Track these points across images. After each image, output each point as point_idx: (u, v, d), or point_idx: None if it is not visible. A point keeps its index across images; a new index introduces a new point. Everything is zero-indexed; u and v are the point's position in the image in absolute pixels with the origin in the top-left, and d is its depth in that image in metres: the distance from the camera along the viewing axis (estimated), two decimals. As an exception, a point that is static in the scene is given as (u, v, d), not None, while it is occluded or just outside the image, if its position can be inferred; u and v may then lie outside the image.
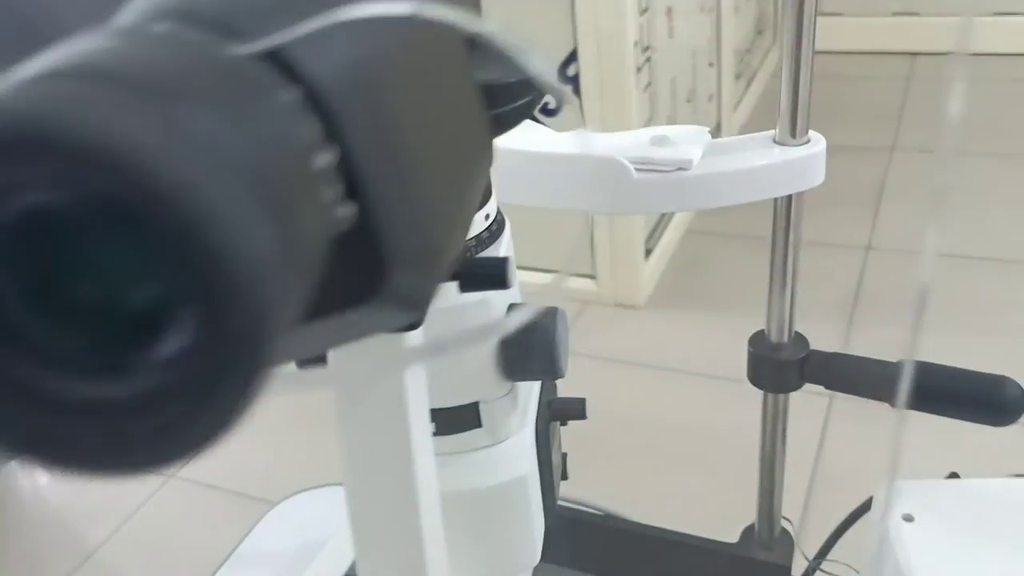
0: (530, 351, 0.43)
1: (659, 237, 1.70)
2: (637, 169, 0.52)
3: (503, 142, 0.56)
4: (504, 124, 0.30)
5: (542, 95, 0.32)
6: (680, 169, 0.51)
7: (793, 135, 0.53)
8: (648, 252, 1.65)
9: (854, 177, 1.89)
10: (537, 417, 0.48)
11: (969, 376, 0.53)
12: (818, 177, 0.53)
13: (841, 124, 2.19)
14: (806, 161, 0.52)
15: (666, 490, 1.19)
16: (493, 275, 0.33)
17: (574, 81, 1.51)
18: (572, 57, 1.49)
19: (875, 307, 1.49)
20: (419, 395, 0.36)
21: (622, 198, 0.52)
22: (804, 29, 0.51)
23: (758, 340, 0.60)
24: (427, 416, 0.37)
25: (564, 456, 0.54)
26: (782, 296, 0.58)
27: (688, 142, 0.53)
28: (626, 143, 0.53)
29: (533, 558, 0.49)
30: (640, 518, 0.82)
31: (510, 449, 0.46)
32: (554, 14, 1.48)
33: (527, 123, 0.59)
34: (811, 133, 0.53)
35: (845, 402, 1.10)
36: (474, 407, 0.45)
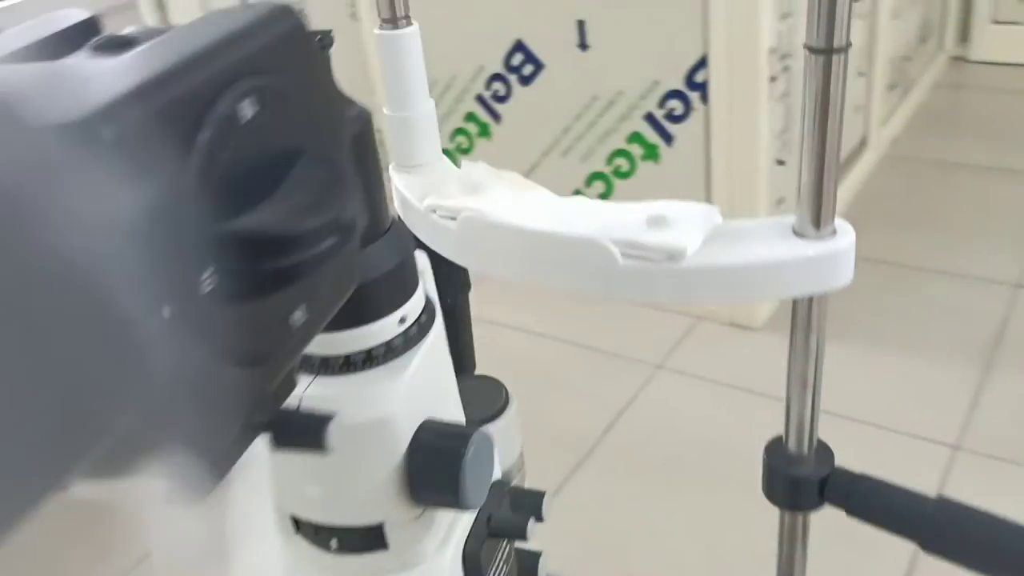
0: (431, 477, 0.37)
1: (786, 258, 1.58)
2: (624, 254, 0.45)
3: (482, 201, 0.49)
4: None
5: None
6: (671, 259, 0.44)
7: (816, 225, 0.44)
8: (771, 273, 1.53)
9: (1011, 203, 1.69)
10: (469, 536, 0.42)
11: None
12: (843, 277, 0.44)
13: (1003, 142, 1.97)
14: (828, 259, 0.43)
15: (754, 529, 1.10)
16: (308, 435, 0.28)
17: (701, 88, 1.41)
18: (701, 63, 1.39)
19: (1021, 353, 1.33)
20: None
21: (605, 285, 0.45)
22: (832, 87, 0.41)
23: (774, 448, 0.51)
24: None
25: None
26: (803, 400, 0.49)
27: (689, 225, 0.45)
28: (618, 219, 0.46)
29: None
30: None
31: (423, 576, 0.41)
32: (685, 15, 1.38)
33: (520, 179, 0.53)
34: (838, 222, 0.44)
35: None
36: (379, 528, 0.39)
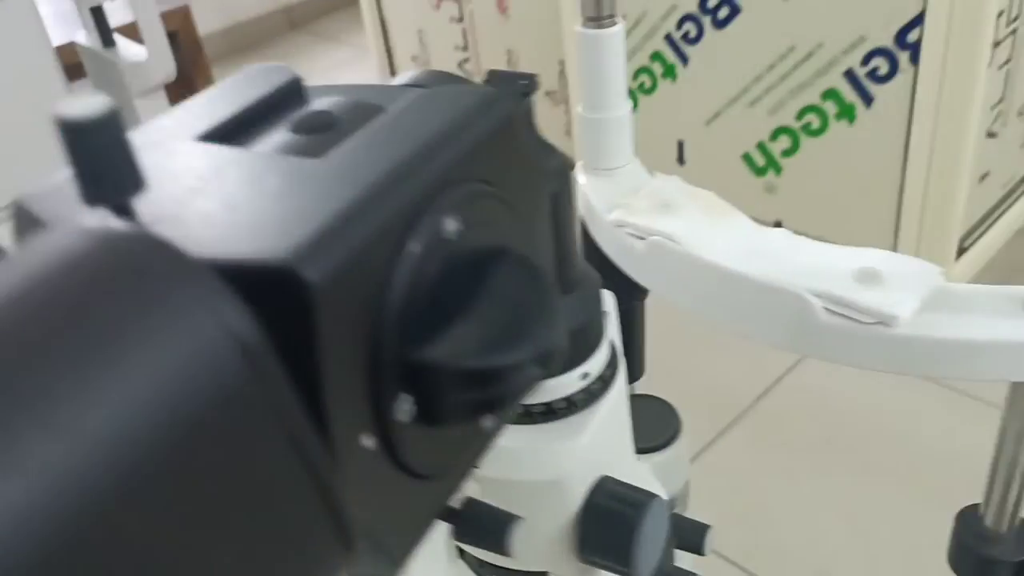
0: (603, 541, 0.36)
1: (981, 234, 1.46)
2: (828, 310, 0.41)
3: (674, 223, 0.46)
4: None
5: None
6: (881, 324, 0.40)
7: (1057, 304, 0.39)
8: (962, 251, 1.42)
9: None
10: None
11: None
12: (1082, 365, 0.39)
13: None
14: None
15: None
16: (491, 536, 0.27)
17: (913, 48, 1.29)
18: (917, 20, 1.28)
19: None
20: None
21: (802, 340, 0.42)
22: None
23: (968, 519, 0.47)
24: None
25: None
26: (1009, 480, 0.45)
27: (904, 285, 0.41)
28: (823, 266, 0.43)
29: None
30: None
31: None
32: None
33: (715, 200, 0.50)
34: (1085, 305, 0.39)
35: None
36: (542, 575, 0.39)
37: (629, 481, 0.37)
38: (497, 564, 0.38)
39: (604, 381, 0.37)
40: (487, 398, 0.22)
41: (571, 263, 0.34)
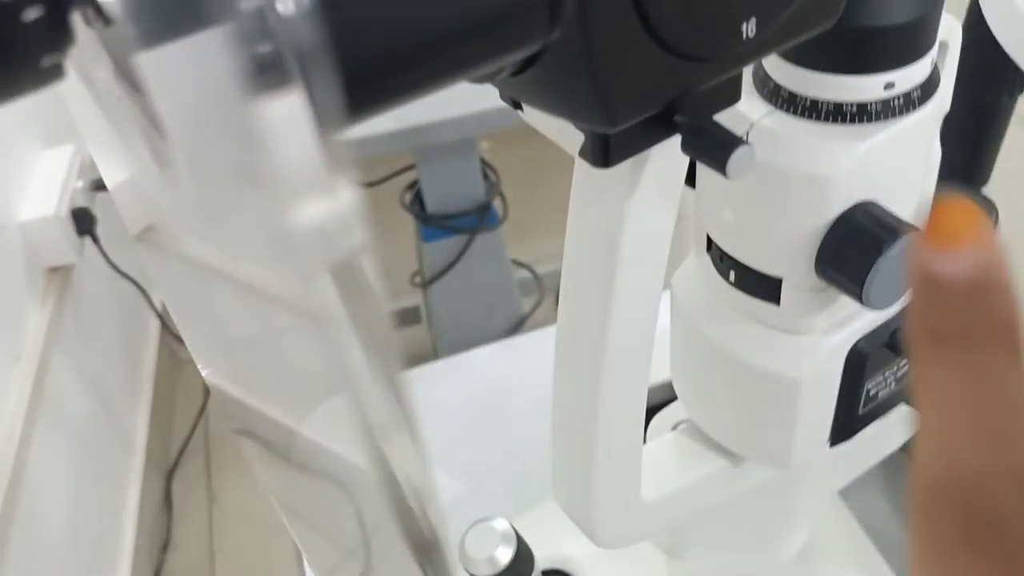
0: (842, 256, 0.35)
1: None
2: None
3: None
4: None
5: None
6: None
7: None
8: None
9: None
10: (865, 336, 0.40)
11: None
12: None
13: None
14: None
15: None
16: (713, 150, 0.27)
17: None
18: None
19: None
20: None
21: None
22: None
23: None
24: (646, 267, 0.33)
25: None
26: None
27: None
28: None
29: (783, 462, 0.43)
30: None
31: (800, 346, 0.39)
32: None
33: None
34: None
35: None
36: (777, 282, 0.38)
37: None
38: (737, 260, 0.39)
39: (909, 101, 0.34)
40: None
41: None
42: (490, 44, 0.19)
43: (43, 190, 1.33)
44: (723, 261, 0.40)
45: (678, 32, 0.24)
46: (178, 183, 0.18)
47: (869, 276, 0.34)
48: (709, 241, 0.41)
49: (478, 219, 1.35)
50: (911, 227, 0.35)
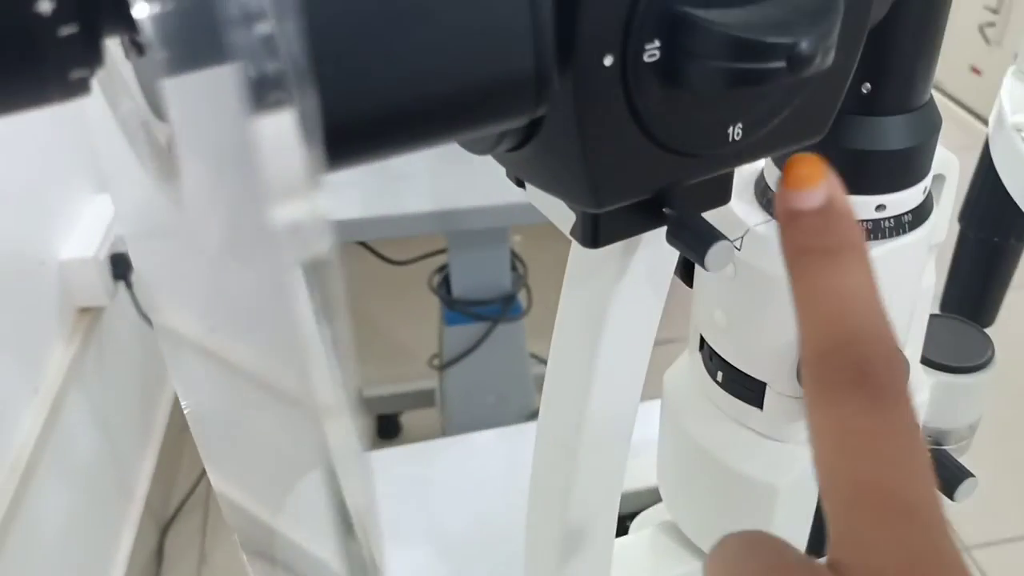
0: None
1: None
2: None
3: None
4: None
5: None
6: None
7: None
8: None
9: None
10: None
11: None
12: None
13: None
14: None
15: None
16: (695, 241, 0.28)
17: None
18: None
19: None
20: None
21: None
22: None
23: None
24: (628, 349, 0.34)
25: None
26: None
27: None
28: None
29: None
30: None
31: (780, 453, 0.40)
32: None
33: None
34: None
35: None
36: (761, 386, 0.39)
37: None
38: (727, 361, 0.40)
39: (900, 224, 0.36)
40: (729, 71, 0.23)
41: (918, 81, 0.33)
42: (475, 113, 0.21)
43: (87, 232, 1.38)
44: (712, 360, 0.41)
45: (667, 128, 0.25)
46: (183, 202, 0.20)
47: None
48: (702, 340, 0.42)
49: (501, 309, 1.37)
50: (893, 345, 0.36)
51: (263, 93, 0.14)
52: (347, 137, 0.18)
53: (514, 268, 1.39)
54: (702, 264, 0.28)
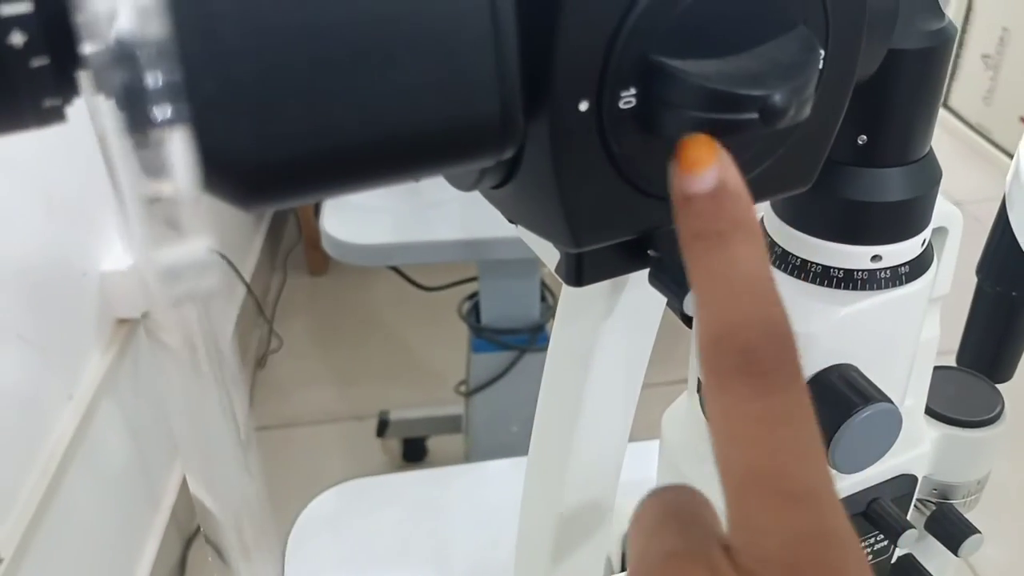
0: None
1: None
2: None
3: None
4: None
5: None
6: None
7: None
8: None
9: None
10: (839, 499, 0.40)
11: None
12: None
13: None
14: None
15: None
16: (673, 288, 0.28)
17: None
18: None
19: None
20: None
21: None
22: None
23: None
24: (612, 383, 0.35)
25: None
26: None
27: None
28: None
29: None
30: None
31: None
32: None
33: None
34: None
35: None
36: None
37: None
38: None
39: (896, 276, 0.36)
40: (703, 120, 0.24)
41: (916, 134, 0.33)
42: (441, 153, 0.21)
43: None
44: (708, 402, 0.41)
45: (644, 172, 0.26)
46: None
47: (835, 438, 0.35)
48: (699, 382, 0.42)
49: (529, 339, 1.37)
50: (884, 396, 0.35)
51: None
52: (304, 171, 0.19)
53: (544, 299, 1.40)
54: (681, 308, 0.29)
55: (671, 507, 0.24)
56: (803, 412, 0.22)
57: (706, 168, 0.23)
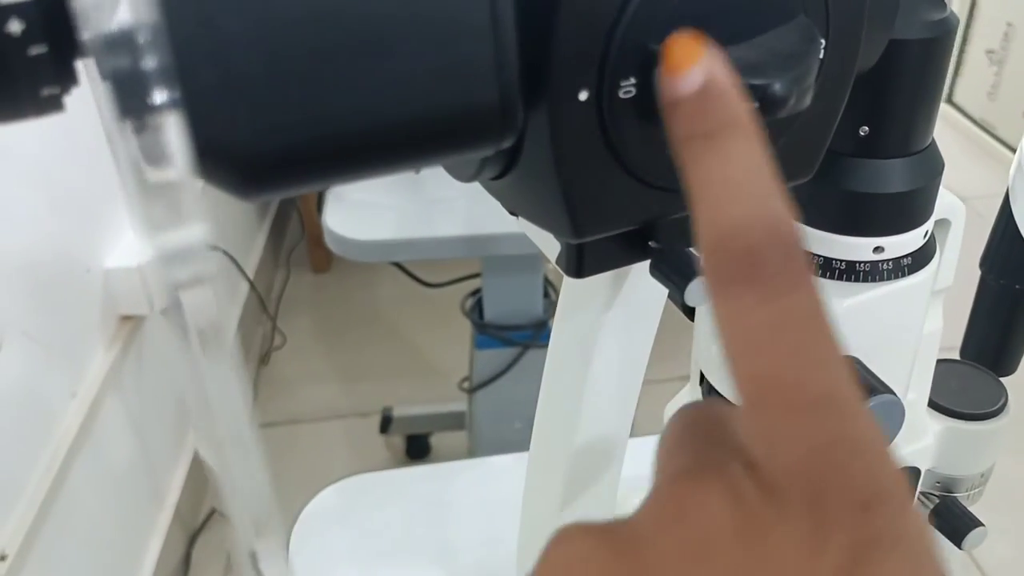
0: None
1: None
2: None
3: None
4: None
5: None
6: None
7: None
8: None
9: None
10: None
11: None
12: None
13: None
14: None
15: None
16: (675, 277, 0.28)
17: None
18: None
19: None
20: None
21: None
22: None
23: None
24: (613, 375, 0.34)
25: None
26: None
27: None
28: None
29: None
30: None
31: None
32: None
33: None
34: None
35: None
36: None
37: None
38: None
39: (899, 267, 0.36)
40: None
41: (919, 125, 0.33)
42: (440, 142, 0.21)
43: (132, 242, 1.41)
44: (712, 395, 0.41)
45: (645, 162, 0.26)
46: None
47: (837, 429, 0.35)
48: (702, 375, 0.42)
49: (532, 335, 1.37)
50: (887, 388, 0.35)
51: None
52: (304, 160, 0.19)
53: (547, 295, 1.40)
54: (682, 299, 0.29)
55: (691, 425, 0.22)
56: (814, 313, 0.20)
57: (691, 67, 0.22)
